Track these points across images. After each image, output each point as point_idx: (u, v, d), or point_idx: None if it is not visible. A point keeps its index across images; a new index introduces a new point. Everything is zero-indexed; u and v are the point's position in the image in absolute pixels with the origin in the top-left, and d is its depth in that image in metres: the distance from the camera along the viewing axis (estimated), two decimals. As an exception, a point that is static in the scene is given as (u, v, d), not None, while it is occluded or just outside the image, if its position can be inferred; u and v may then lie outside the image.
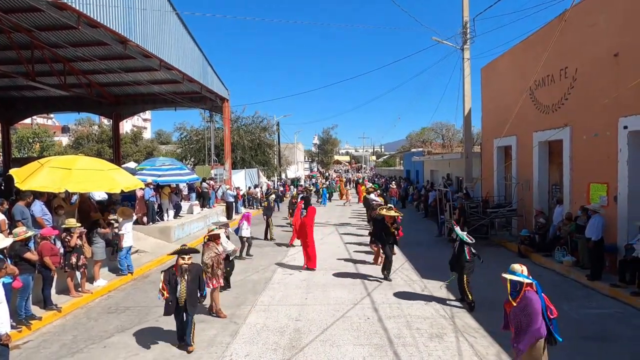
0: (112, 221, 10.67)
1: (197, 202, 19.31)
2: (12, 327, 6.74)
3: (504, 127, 13.76)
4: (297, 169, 56.95)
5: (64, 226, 8.99)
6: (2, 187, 15.86)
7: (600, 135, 10.19)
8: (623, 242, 9.21)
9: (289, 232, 15.69)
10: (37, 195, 9.24)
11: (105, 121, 48.15)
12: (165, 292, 6.21)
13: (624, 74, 9.23)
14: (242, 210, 23.10)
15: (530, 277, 4.67)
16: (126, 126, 61.05)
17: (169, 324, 6.89)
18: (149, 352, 6.42)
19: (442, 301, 8.40)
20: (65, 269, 8.63)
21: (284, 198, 28.97)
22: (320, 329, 7.09)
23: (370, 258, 12.32)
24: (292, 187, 30.32)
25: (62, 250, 8.73)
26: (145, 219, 15.15)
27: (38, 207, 9.12)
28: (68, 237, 8.68)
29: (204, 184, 20.90)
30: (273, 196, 15.64)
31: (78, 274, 9.06)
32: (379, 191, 21.41)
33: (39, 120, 56.46)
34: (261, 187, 28.70)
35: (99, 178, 9.73)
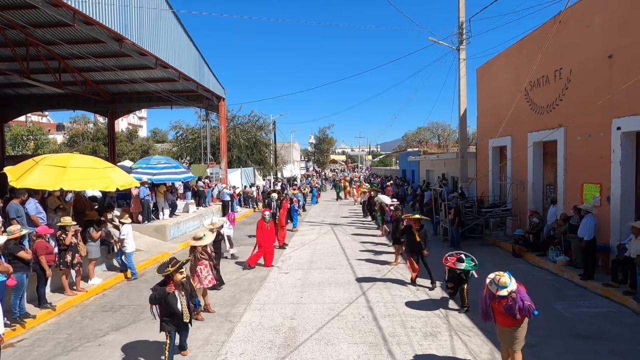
0: (110, 220, 10.68)
1: (192, 200, 19.28)
2: (6, 325, 6.72)
3: (499, 128, 13.84)
4: (293, 168, 56.94)
5: (59, 224, 8.96)
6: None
7: (594, 136, 10.27)
8: (616, 241, 9.29)
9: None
10: (31, 193, 9.21)
11: (101, 119, 47.98)
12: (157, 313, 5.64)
13: (618, 76, 9.31)
14: (238, 209, 23.11)
15: (509, 283, 5.03)
16: (121, 124, 60.83)
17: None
18: (144, 351, 6.41)
19: (436, 300, 8.45)
20: (60, 267, 8.62)
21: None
22: (315, 328, 7.12)
23: (368, 257, 12.37)
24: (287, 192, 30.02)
25: (56, 249, 8.70)
26: (140, 218, 15.12)
27: (32, 205, 9.08)
28: (63, 236, 8.65)
29: (200, 183, 20.87)
30: (275, 195, 15.53)
31: (73, 272, 9.05)
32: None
33: (34, 117, 56.14)
34: (257, 187, 28.68)
35: (94, 176, 9.70)
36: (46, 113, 59.40)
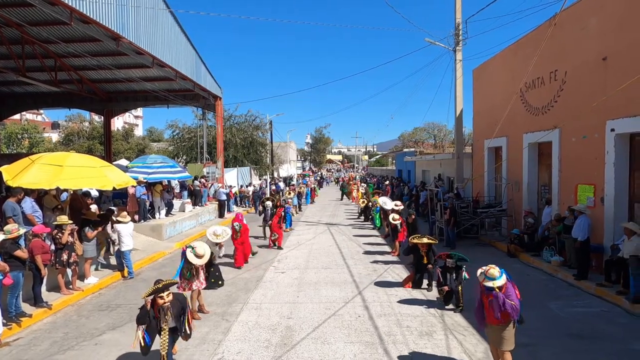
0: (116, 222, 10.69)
1: (189, 200, 19.27)
2: (2, 324, 6.71)
3: (494, 128, 13.94)
4: (290, 168, 56.94)
5: (55, 223, 8.94)
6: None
7: (589, 138, 10.37)
8: (609, 242, 9.39)
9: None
10: (27, 192, 9.18)
11: (96, 118, 47.72)
12: (142, 342, 4.93)
13: (612, 78, 9.41)
14: (234, 208, 23.09)
15: (499, 275, 5.12)
16: (117, 123, 60.55)
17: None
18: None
19: (432, 300, 8.51)
20: (56, 266, 8.59)
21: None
22: (311, 327, 7.15)
23: (364, 257, 12.42)
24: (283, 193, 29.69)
25: (53, 247, 8.69)
26: (136, 217, 15.09)
27: (28, 204, 9.06)
28: (59, 234, 8.63)
29: (196, 182, 20.85)
30: (269, 203, 15.44)
31: (69, 271, 9.03)
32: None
33: (29, 116, 55.74)
34: (254, 187, 28.66)
35: (90, 175, 9.68)
36: (41, 111, 59.10)
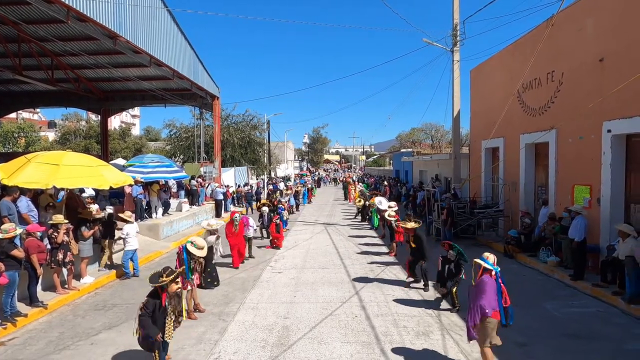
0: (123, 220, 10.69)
1: (186, 199, 19.22)
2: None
3: (492, 129, 13.96)
4: (287, 168, 56.91)
5: (50, 222, 8.90)
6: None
7: (585, 139, 10.41)
8: (605, 242, 9.43)
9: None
10: (23, 191, 9.13)
11: (93, 117, 47.57)
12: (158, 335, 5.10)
13: (609, 79, 9.44)
14: (231, 208, 23.03)
15: (495, 267, 5.44)
16: (114, 122, 60.38)
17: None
18: (136, 350, 6.38)
19: (428, 300, 8.52)
20: (52, 266, 8.55)
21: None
22: (308, 327, 7.14)
23: (361, 257, 12.42)
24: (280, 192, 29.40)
25: (48, 247, 8.64)
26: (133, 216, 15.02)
27: (24, 203, 9.00)
28: (55, 234, 8.59)
29: (193, 182, 20.80)
30: (266, 209, 15.33)
31: (65, 270, 8.98)
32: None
33: (25, 114, 55.50)
34: (250, 187, 28.61)
35: (87, 174, 9.64)
36: (38, 110, 58.84)
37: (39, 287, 8.35)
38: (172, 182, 19.40)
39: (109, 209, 14.84)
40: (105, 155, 25.91)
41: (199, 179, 22.27)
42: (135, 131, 70.98)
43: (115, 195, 15.78)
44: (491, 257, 5.51)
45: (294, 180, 41.04)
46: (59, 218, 8.84)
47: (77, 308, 8.38)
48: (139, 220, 15.03)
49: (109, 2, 12.30)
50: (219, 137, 25.65)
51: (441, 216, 14.26)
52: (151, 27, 15.45)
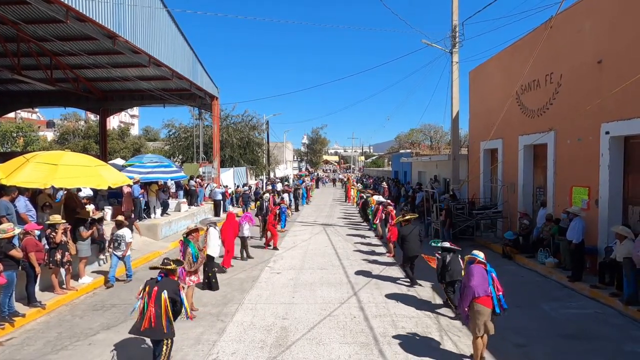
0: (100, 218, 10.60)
1: (184, 199, 19.20)
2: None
3: (490, 130, 13.98)
4: (286, 168, 56.90)
5: (48, 222, 8.89)
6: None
7: (584, 140, 10.43)
8: (603, 244, 9.45)
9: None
10: (21, 190, 9.12)
11: (92, 116, 47.53)
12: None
13: (607, 81, 9.47)
14: (230, 208, 23.01)
15: (486, 262, 5.84)
16: (113, 122, 60.32)
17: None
18: (134, 350, 6.39)
19: (427, 301, 8.53)
20: (50, 266, 8.53)
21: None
22: (307, 328, 7.14)
23: (359, 257, 12.42)
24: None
25: (46, 247, 8.63)
26: (132, 216, 15.01)
27: (22, 203, 9.00)
28: (53, 234, 8.58)
29: (192, 182, 20.79)
30: (267, 195, 15.47)
31: (63, 271, 8.97)
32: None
33: (23, 114, 55.42)
34: (249, 187, 28.60)
35: (85, 174, 9.64)
36: (36, 110, 58.79)
37: (37, 287, 8.34)
38: (170, 183, 19.41)
39: (108, 209, 14.86)
40: (104, 155, 25.88)
41: (198, 179, 22.26)
42: (134, 131, 70.93)
43: (113, 196, 15.78)
44: (481, 254, 5.95)
45: (293, 181, 41.04)
46: (56, 218, 8.83)
47: (75, 308, 8.37)
48: (138, 221, 15.03)
49: (108, 2, 12.29)
50: (218, 137, 25.63)
51: (440, 217, 14.28)
52: (150, 27, 15.45)
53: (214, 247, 9.34)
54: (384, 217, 14.56)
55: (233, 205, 24.17)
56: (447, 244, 8.00)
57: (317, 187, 45.30)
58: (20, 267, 7.55)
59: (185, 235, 7.97)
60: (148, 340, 6.56)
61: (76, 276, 9.63)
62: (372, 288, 9.40)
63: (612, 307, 8.00)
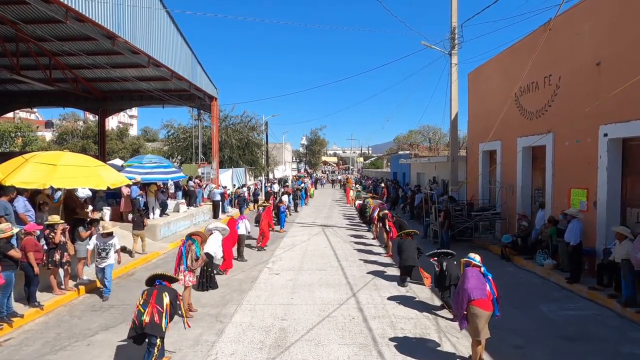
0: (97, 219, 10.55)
1: (183, 200, 19.19)
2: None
3: (489, 132, 14.02)
4: (285, 169, 56.88)
5: (46, 222, 8.88)
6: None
7: (582, 142, 10.46)
8: (602, 246, 9.47)
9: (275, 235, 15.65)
10: (20, 191, 9.11)
11: (91, 117, 47.49)
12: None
13: (605, 83, 9.51)
14: (229, 209, 22.99)
15: (482, 265, 5.88)
16: (112, 122, 60.26)
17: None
18: (133, 350, 6.37)
19: (426, 302, 8.54)
20: (49, 266, 8.51)
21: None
22: (305, 329, 7.15)
23: (358, 258, 12.43)
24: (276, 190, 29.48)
25: (45, 247, 8.61)
26: (130, 217, 14.99)
27: (21, 203, 8.99)
28: (52, 234, 8.57)
29: (191, 183, 20.77)
30: (267, 204, 15.42)
31: (61, 271, 8.95)
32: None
33: (22, 114, 55.32)
34: (248, 188, 28.61)
35: (84, 174, 9.64)
36: (35, 110, 58.67)
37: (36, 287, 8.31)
38: (169, 183, 19.39)
39: (106, 210, 14.83)
40: (103, 155, 25.84)
41: (197, 180, 22.24)
42: (133, 131, 70.86)
43: (112, 196, 15.76)
44: (477, 257, 5.97)
45: (292, 182, 41.03)
46: (55, 218, 8.82)
47: (74, 309, 8.35)
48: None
49: (108, 3, 12.29)
50: (217, 138, 25.61)
51: (438, 218, 14.29)
52: (150, 28, 15.45)
53: (214, 247, 9.35)
54: (378, 218, 14.67)
55: (232, 206, 24.17)
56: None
57: (315, 188, 45.30)
58: (19, 268, 7.54)
59: (190, 235, 7.99)
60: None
61: (75, 276, 9.61)
62: (371, 289, 9.40)
63: (610, 309, 8.02)
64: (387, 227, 13.00)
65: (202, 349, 6.41)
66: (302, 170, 71.83)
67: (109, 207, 15.10)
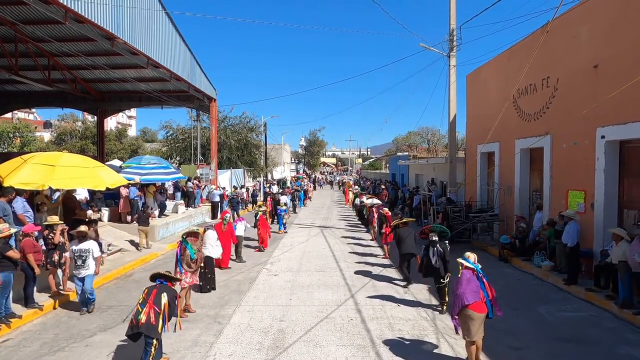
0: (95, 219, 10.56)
1: (182, 201, 19.20)
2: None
3: (487, 134, 14.05)
4: (284, 170, 56.87)
5: (45, 223, 8.88)
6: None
7: (579, 144, 10.51)
8: (599, 247, 9.51)
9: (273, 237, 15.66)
10: (19, 191, 9.11)
11: (89, 117, 47.42)
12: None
13: (603, 86, 9.55)
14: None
15: (476, 264, 5.82)
16: (110, 123, 60.15)
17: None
18: (131, 352, 6.38)
19: (424, 304, 8.56)
20: (47, 267, 8.52)
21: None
22: (304, 330, 7.16)
23: (357, 260, 12.45)
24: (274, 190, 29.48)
25: (44, 248, 8.62)
26: (129, 218, 15.01)
27: (20, 204, 8.99)
28: (51, 235, 8.57)
29: (189, 184, 20.78)
30: (263, 208, 15.40)
31: (60, 271, 8.95)
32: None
33: (20, 114, 55.18)
34: (247, 189, 28.60)
35: (83, 175, 9.65)
36: (33, 110, 58.49)
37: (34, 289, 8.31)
38: (168, 184, 19.40)
39: (105, 211, 14.84)
40: (102, 156, 25.83)
41: (195, 181, 22.24)
42: (132, 132, 70.76)
43: (110, 197, 15.76)
44: (472, 256, 5.91)
45: (291, 183, 41.03)
46: (54, 219, 8.82)
47: (72, 309, 8.34)
48: (135, 222, 15.01)
49: (107, 4, 12.30)
50: (215, 139, 25.63)
51: (437, 220, 14.32)
52: (149, 29, 15.46)
53: (212, 247, 9.35)
54: (376, 217, 14.73)
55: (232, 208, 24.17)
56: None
57: (314, 189, 45.31)
58: (18, 268, 7.54)
59: (184, 237, 7.98)
60: (143, 341, 6.58)
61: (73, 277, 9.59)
62: (369, 290, 9.42)
63: (607, 310, 8.05)
64: (383, 230, 13.10)
65: (201, 350, 6.42)
66: (301, 172, 71.84)
67: (107, 208, 15.11)
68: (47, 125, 59.76)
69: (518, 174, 13.74)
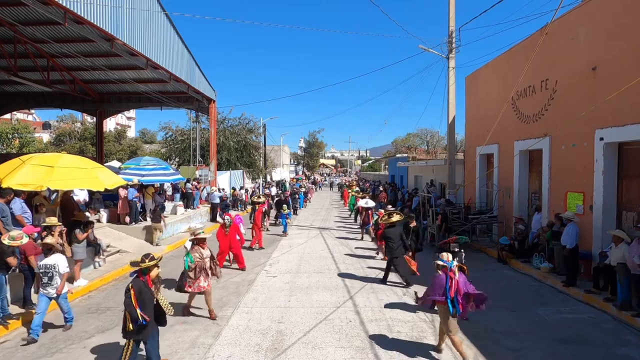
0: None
1: (181, 202, 19.17)
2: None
3: (486, 135, 14.06)
4: (283, 172, 56.88)
5: (44, 224, 8.85)
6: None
7: (578, 146, 10.52)
8: (598, 249, 9.52)
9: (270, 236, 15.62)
10: (17, 192, 9.09)
11: (88, 118, 47.40)
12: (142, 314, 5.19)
13: (601, 88, 9.57)
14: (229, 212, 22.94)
15: (449, 262, 6.02)
16: (109, 124, 60.14)
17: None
18: (130, 353, 6.36)
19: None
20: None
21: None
22: (302, 332, 7.15)
23: (356, 261, 12.44)
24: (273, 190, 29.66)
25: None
26: (128, 219, 14.99)
27: (18, 205, 8.97)
28: (50, 236, 8.53)
29: (188, 185, 20.75)
30: (262, 199, 15.52)
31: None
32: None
33: (19, 115, 55.12)
34: (246, 190, 28.59)
35: (82, 176, 9.62)
36: (32, 111, 58.49)
37: (32, 290, 8.28)
38: (167, 185, 19.38)
39: (103, 212, 14.82)
40: (100, 157, 25.83)
41: (194, 182, 22.22)
42: (131, 133, 70.76)
43: (109, 198, 15.74)
44: (445, 256, 6.17)
45: (290, 184, 41.02)
46: (52, 220, 8.80)
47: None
48: (134, 223, 14.99)
49: (107, 5, 12.31)
50: (215, 140, 25.64)
51: (435, 221, 14.32)
52: (148, 30, 15.47)
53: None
54: (373, 219, 14.82)
55: (231, 208, 24.15)
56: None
57: (314, 190, 45.32)
58: (17, 270, 7.51)
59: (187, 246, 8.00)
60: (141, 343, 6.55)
61: (71, 279, 9.58)
62: (368, 292, 9.41)
63: (606, 312, 8.05)
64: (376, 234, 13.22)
65: (199, 352, 6.41)
66: (300, 173, 71.86)
67: (106, 209, 15.09)
68: (46, 126, 59.68)
69: (517, 176, 13.76)
